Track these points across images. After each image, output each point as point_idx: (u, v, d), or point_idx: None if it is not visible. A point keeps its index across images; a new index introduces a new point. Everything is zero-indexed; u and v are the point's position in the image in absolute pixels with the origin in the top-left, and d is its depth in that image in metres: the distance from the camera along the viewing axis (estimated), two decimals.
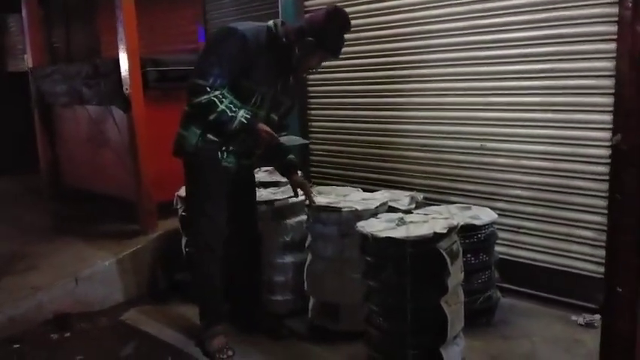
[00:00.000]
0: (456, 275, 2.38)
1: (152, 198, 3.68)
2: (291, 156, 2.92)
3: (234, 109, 2.46)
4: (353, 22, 2.62)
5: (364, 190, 3.44)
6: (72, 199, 4.66)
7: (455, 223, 2.46)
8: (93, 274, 3.34)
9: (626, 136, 1.34)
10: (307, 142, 2.93)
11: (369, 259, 2.47)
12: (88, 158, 4.36)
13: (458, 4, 3.27)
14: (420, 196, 3.23)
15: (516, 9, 3.05)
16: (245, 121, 2.47)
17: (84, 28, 7.31)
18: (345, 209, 2.80)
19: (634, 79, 1.35)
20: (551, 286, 3.10)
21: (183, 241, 3.47)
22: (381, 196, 3.09)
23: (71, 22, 7.40)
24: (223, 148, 2.63)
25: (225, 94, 2.46)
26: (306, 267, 2.99)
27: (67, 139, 4.71)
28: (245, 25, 2.57)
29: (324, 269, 2.90)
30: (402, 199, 3.16)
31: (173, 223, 3.68)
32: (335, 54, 2.62)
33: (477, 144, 3.31)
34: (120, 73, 3.55)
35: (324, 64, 2.69)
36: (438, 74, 3.43)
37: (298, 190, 2.90)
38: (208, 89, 2.43)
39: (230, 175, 2.71)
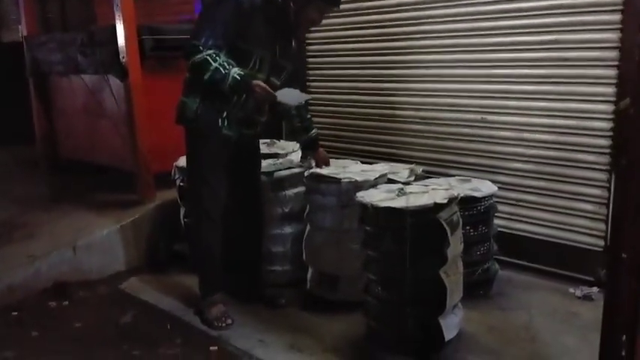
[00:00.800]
0: (455, 246, 2.38)
1: (150, 168, 3.65)
2: (315, 131, 2.98)
3: (227, 67, 2.42)
4: None
5: (363, 163, 3.44)
6: (69, 171, 4.62)
7: (455, 193, 2.45)
8: (91, 242, 3.33)
9: (635, 100, 1.31)
10: (308, 97, 2.83)
11: (368, 228, 2.46)
12: (85, 129, 4.31)
13: None
14: (419, 168, 3.22)
15: None
16: (238, 77, 2.42)
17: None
18: (345, 180, 2.78)
19: None
20: (550, 259, 3.10)
21: (182, 211, 3.46)
22: (381, 168, 3.07)
23: None
24: (224, 115, 2.60)
25: (220, 54, 2.43)
26: (305, 238, 2.98)
27: (63, 109, 4.65)
28: None
29: (322, 240, 2.90)
30: (401, 171, 3.14)
31: (171, 194, 3.65)
32: (333, 3, 2.61)
33: (478, 116, 3.28)
34: (116, 41, 3.49)
35: (325, 28, 2.67)
36: (438, 45, 3.38)
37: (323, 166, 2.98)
38: (201, 48, 2.40)
39: (232, 145, 2.68)
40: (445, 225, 2.29)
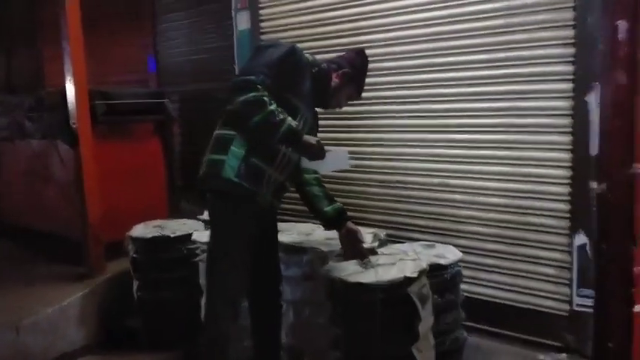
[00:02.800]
0: (426, 320, 2.32)
1: (100, 238, 3.47)
2: (338, 204, 2.62)
3: (282, 113, 2.16)
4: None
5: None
6: (12, 238, 4.34)
7: (424, 265, 2.40)
8: (36, 322, 3.08)
9: (611, 186, 1.30)
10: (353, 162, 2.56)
11: (335, 304, 2.37)
12: (30, 194, 4.10)
13: (415, 42, 3.28)
14: (382, 232, 3.17)
15: (474, 48, 3.07)
16: (294, 127, 2.17)
17: (27, 56, 6.99)
18: (310, 250, 2.70)
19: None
20: (516, 324, 3.06)
21: (135, 284, 3.27)
22: None
23: (12, 50, 7.05)
24: (266, 179, 2.28)
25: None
26: None
27: (7, 174, 4.42)
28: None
29: (285, 312, 2.78)
30: (364, 236, 3.08)
31: (122, 265, 3.48)
32: (360, 93, 2.61)
33: (437, 180, 3.29)
34: (66, 105, 3.36)
35: None
36: (397, 111, 3.41)
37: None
38: (259, 86, 2.11)
39: (262, 217, 2.41)
40: (416, 299, 2.23)
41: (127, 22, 5.45)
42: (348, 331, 2.33)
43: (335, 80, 2.49)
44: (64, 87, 3.36)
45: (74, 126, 3.32)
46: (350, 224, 2.56)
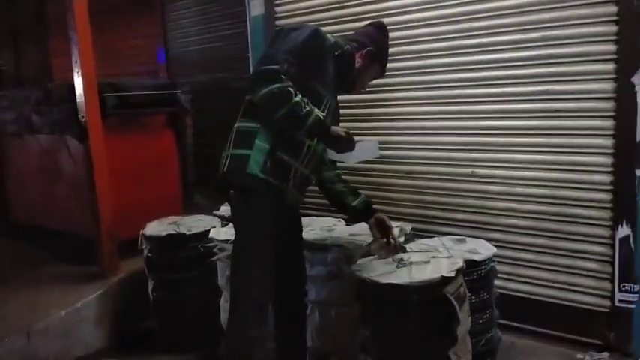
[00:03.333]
0: (464, 322, 2.15)
1: (113, 236, 3.32)
2: (363, 196, 2.47)
3: (309, 104, 2.01)
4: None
5: (347, 221, 3.21)
6: (21, 237, 4.22)
7: (461, 263, 2.22)
8: (48, 326, 2.94)
9: None
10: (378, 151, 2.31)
11: (365, 305, 2.21)
12: (41, 192, 3.96)
13: (444, 22, 3.08)
14: (408, 226, 3.00)
15: (506, 28, 2.88)
16: (322, 119, 2.03)
17: (34, 49, 6.87)
18: (335, 248, 2.53)
19: None
20: (553, 321, 2.89)
21: (150, 284, 3.13)
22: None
23: (20, 43, 6.94)
24: (292, 174, 2.13)
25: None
26: None
27: (16, 171, 4.29)
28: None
29: (310, 313, 2.62)
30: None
31: (137, 264, 3.34)
32: (385, 71, 2.45)
33: (468, 170, 3.10)
34: (75, 99, 3.20)
35: None
36: (423, 97, 3.23)
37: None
38: (283, 76, 1.96)
39: (289, 214, 2.29)
40: (453, 300, 2.06)
41: (135, 11, 5.30)
42: (379, 334, 2.17)
43: (359, 61, 2.30)
44: (72, 80, 3.21)
45: (83, 120, 3.17)
46: (378, 214, 2.43)
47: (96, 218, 3.27)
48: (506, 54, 2.89)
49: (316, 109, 2.05)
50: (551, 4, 2.72)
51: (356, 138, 2.14)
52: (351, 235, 2.73)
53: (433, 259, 2.27)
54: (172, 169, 3.86)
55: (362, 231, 2.80)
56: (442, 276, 2.06)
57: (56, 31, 6.59)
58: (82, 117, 3.17)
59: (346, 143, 2.10)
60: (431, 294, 2.05)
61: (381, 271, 2.18)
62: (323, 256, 2.53)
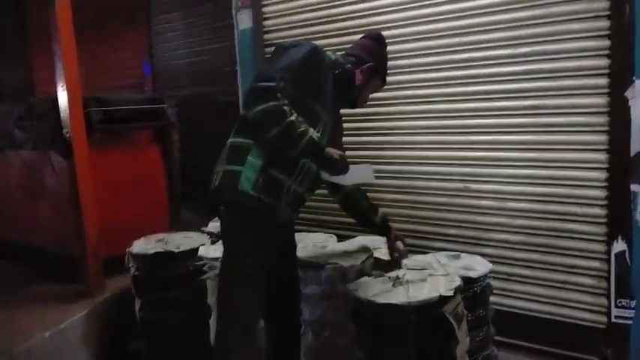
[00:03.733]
0: (463, 342, 2.10)
1: (98, 254, 3.23)
2: (381, 211, 2.55)
3: (303, 125, 1.99)
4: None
5: (338, 237, 3.15)
6: (2, 255, 4.08)
7: (458, 282, 2.18)
8: (30, 348, 2.83)
9: None
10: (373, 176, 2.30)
11: (361, 326, 2.15)
12: (22, 209, 3.85)
13: (435, 37, 3.06)
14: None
15: (495, 43, 2.86)
16: (316, 140, 2.00)
17: (16, 63, 6.76)
18: (329, 266, 2.47)
19: None
20: (549, 337, 2.85)
21: (137, 304, 3.04)
22: (362, 244, 2.80)
23: (1, 56, 6.82)
24: (285, 190, 2.09)
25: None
26: None
27: None
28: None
29: (304, 333, 2.55)
30: (382, 247, 2.86)
31: (123, 282, 3.25)
32: (385, 82, 2.46)
33: (460, 185, 3.07)
34: (59, 114, 3.12)
35: None
36: (414, 111, 3.19)
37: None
38: (278, 94, 1.94)
39: (281, 232, 2.25)
40: (452, 320, 2.01)
41: (121, 24, 5.24)
42: (375, 355, 2.11)
43: (359, 77, 2.28)
44: (56, 94, 3.13)
45: (67, 135, 3.09)
46: (394, 230, 2.56)
47: (80, 236, 3.17)
48: (498, 68, 2.87)
49: (311, 130, 2.01)
50: (543, 19, 2.72)
51: (350, 161, 2.11)
52: (345, 252, 2.67)
53: (430, 278, 2.23)
54: (159, 184, 3.78)
55: (355, 247, 2.76)
56: (440, 295, 2.02)
57: (38, 44, 6.51)
58: (67, 132, 3.09)
59: (340, 166, 2.06)
60: (429, 314, 2.01)
61: (377, 290, 2.13)
62: (317, 275, 2.47)
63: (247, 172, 2.04)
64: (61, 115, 3.10)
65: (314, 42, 2.24)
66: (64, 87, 3.05)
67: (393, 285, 2.17)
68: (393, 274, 2.30)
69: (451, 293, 2.04)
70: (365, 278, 2.32)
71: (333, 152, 2.05)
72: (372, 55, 2.33)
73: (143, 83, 5.34)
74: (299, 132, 1.96)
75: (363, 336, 2.15)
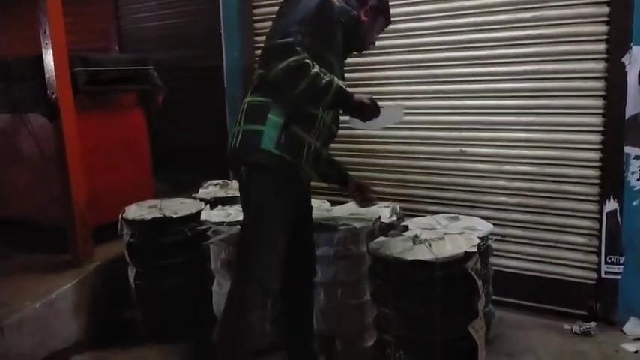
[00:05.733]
0: (482, 297, 2.16)
1: (87, 221, 3.09)
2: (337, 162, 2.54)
3: (327, 74, 1.93)
4: None
5: (331, 202, 3.16)
6: None
7: (477, 239, 2.23)
8: (21, 319, 2.69)
9: None
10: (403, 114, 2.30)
11: (384, 283, 2.18)
12: None
13: (433, 0, 3.07)
14: (397, 206, 2.99)
15: (500, 7, 2.91)
16: (344, 87, 1.96)
17: None
18: (341, 227, 2.48)
19: None
20: (541, 294, 3.00)
21: (132, 272, 2.94)
22: (366, 210, 2.81)
23: None
24: (306, 148, 2.03)
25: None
26: None
27: None
28: None
29: (316, 295, 2.55)
30: (381, 210, 2.89)
31: (112, 250, 3.15)
32: (390, 19, 2.35)
33: (456, 149, 3.13)
34: (43, 74, 2.94)
35: None
36: (411, 76, 3.22)
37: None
38: (298, 48, 1.87)
39: (302, 191, 2.21)
40: (474, 275, 2.07)
41: None
42: (399, 311, 2.14)
43: (364, 19, 2.22)
44: (39, 53, 2.93)
45: (54, 97, 2.91)
46: (354, 180, 2.53)
47: (68, 202, 3.02)
48: (497, 33, 2.93)
49: (336, 79, 1.97)
50: None
51: (381, 104, 2.08)
52: (352, 214, 2.68)
53: (447, 236, 2.27)
54: (144, 150, 3.63)
55: (361, 210, 2.77)
56: (465, 251, 2.07)
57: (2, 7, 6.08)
58: (53, 93, 2.92)
59: (372, 109, 2.04)
60: (454, 270, 2.05)
61: (401, 248, 2.15)
62: (330, 236, 2.47)
63: (269, 131, 1.98)
64: (47, 75, 2.92)
65: None
66: (50, 45, 2.87)
67: (414, 243, 2.20)
68: (409, 233, 2.33)
69: (475, 249, 2.09)
70: (383, 237, 2.34)
71: (363, 97, 2.02)
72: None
73: (109, 47, 5.09)
74: (326, 82, 1.92)
75: (387, 293, 2.17)
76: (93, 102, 3.23)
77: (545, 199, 2.93)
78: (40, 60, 2.93)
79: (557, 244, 2.93)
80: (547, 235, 2.95)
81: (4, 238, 3.52)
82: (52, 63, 2.89)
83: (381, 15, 2.29)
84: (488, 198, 3.08)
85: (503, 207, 3.04)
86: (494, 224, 3.00)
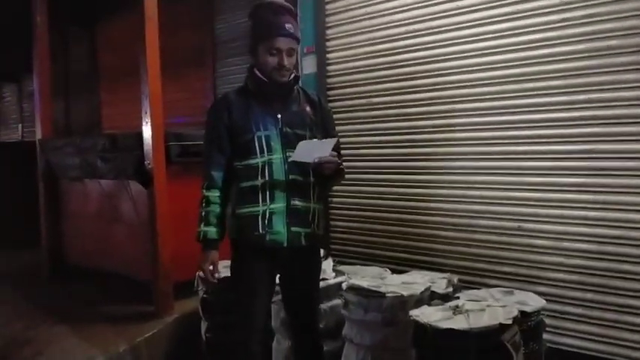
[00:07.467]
0: None
1: (170, 277, 3.47)
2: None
3: (207, 217, 2.44)
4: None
5: (392, 271, 3.31)
6: (75, 279, 4.38)
7: (516, 312, 2.30)
8: None
9: None
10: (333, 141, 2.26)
11: (423, 351, 2.29)
12: (97, 234, 4.16)
13: (496, 83, 3.26)
14: (455, 278, 3.09)
15: (554, 90, 3.03)
16: (201, 236, 2.44)
17: (84, 100, 7.25)
18: (389, 294, 2.63)
19: None
20: None
21: (203, 325, 3.24)
22: (421, 279, 2.94)
23: (71, 94, 7.34)
24: (262, 216, 2.28)
25: (221, 187, 2.40)
26: (343, 357, 2.77)
27: (73, 213, 4.51)
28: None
29: (364, 358, 2.69)
30: (437, 281, 3.01)
31: (189, 305, 3.47)
32: (270, 33, 2.20)
33: (514, 224, 3.20)
34: (142, 147, 3.43)
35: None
36: (467, 153, 3.37)
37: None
38: (212, 174, 2.41)
39: (279, 256, 2.33)
40: (510, 348, 2.13)
41: (190, 66, 5.61)
42: None
43: (253, 57, 2.28)
44: (140, 130, 3.45)
45: (149, 167, 3.39)
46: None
47: (155, 260, 3.42)
48: (555, 114, 3.03)
49: (205, 228, 2.43)
50: (598, 69, 2.88)
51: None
52: (404, 282, 2.82)
53: (488, 308, 2.35)
54: None
55: (414, 279, 2.91)
56: (500, 323, 2.15)
57: (106, 83, 6.99)
58: (149, 164, 3.39)
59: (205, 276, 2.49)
60: (489, 341, 2.13)
61: (439, 317, 2.27)
62: (379, 302, 2.62)
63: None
64: (145, 148, 3.40)
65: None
66: (149, 123, 3.36)
67: (454, 313, 2.31)
68: (452, 303, 2.44)
69: (510, 322, 2.17)
70: (425, 306, 2.47)
71: (201, 268, 2.50)
72: (251, 27, 2.29)
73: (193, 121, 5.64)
74: (200, 220, 2.46)
75: None
76: (182, 171, 3.68)
77: (604, 277, 2.90)
78: (140, 135, 3.43)
79: (617, 325, 2.87)
80: (606, 314, 2.90)
81: (101, 288, 3.99)
82: (150, 138, 3.38)
83: (260, 37, 2.24)
84: (546, 274, 3.09)
85: (561, 284, 3.04)
86: (552, 301, 3.03)
